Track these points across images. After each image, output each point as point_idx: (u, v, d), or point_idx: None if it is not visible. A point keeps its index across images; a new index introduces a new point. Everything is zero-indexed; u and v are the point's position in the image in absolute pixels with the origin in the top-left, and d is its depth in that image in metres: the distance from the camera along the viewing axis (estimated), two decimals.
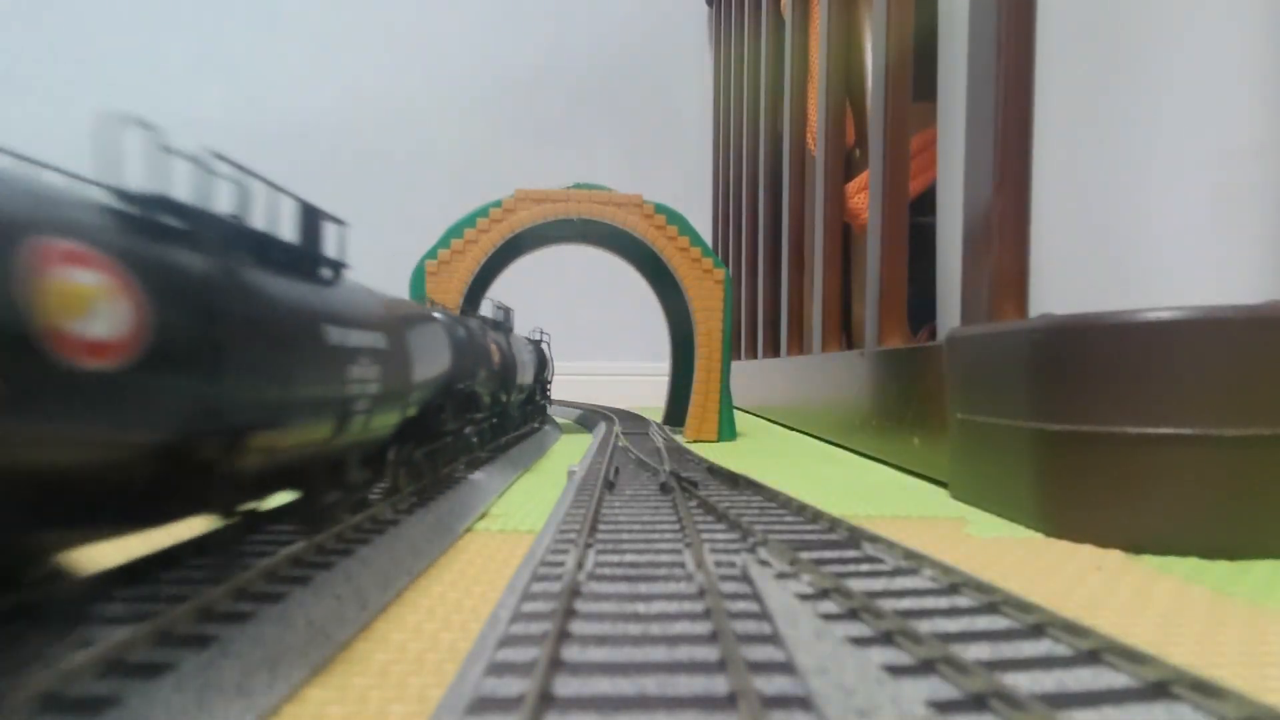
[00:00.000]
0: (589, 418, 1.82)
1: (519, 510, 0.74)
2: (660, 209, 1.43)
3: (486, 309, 1.21)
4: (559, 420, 1.86)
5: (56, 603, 0.27)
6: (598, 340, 2.94)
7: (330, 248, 0.48)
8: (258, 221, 0.40)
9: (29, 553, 0.27)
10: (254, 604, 0.39)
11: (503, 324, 1.15)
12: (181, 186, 0.33)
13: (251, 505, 0.41)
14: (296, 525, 0.49)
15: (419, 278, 1.37)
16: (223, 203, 0.37)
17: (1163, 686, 0.28)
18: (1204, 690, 0.27)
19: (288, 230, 0.43)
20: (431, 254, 1.37)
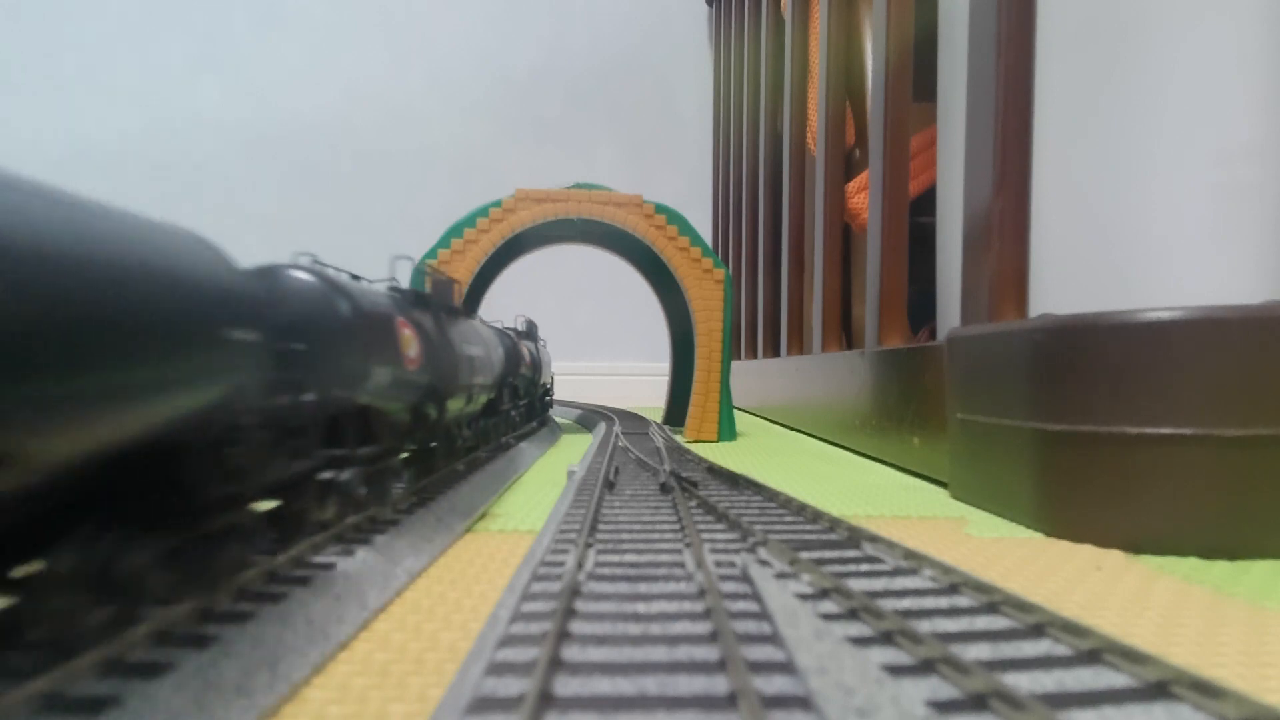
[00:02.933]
0: (588, 418, 1.82)
1: (519, 510, 0.74)
2: (660, 209, 1.43)
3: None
4: (559, 420, 1.86)
5: None
6: (598, 340, 2.94)
7: None
8: None
9: None
10: None
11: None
12: None
13: None
14: None
15: (419, 278, 1.37)
16: None
17: (1163, 686, 0.28)
18: (1204, 690, 0.27)
19: None
20: (431, 254, 1.37)
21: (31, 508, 0.28)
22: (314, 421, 0.49)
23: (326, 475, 0.50)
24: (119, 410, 0.29)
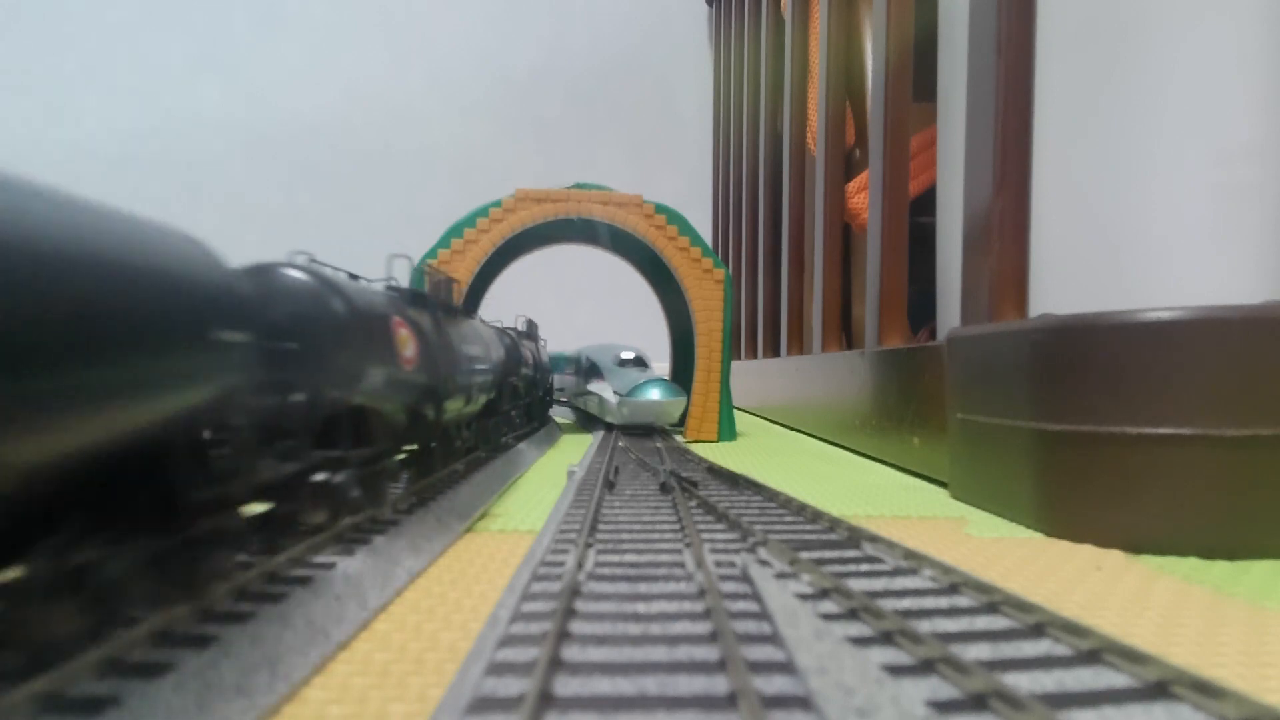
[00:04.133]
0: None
1: (519, 510, 0.74)
2: (660, 209, 1.43)
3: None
4: (558, 420, 1.86)
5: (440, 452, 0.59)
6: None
7: (457, 300, 0.78)
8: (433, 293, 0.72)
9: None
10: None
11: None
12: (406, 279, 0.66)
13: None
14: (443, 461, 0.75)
15: (419, 278, 1.37)
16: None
17: (1163, 686, 0.28)
18: (1204, 690, 0.27)
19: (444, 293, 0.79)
20: (431, 254, 1.37)
21: (11, 510, 0.27)
22: (306, 422, 0.48)
23: (320, 477, 0.49)
24: (104, 410, 0.29)
